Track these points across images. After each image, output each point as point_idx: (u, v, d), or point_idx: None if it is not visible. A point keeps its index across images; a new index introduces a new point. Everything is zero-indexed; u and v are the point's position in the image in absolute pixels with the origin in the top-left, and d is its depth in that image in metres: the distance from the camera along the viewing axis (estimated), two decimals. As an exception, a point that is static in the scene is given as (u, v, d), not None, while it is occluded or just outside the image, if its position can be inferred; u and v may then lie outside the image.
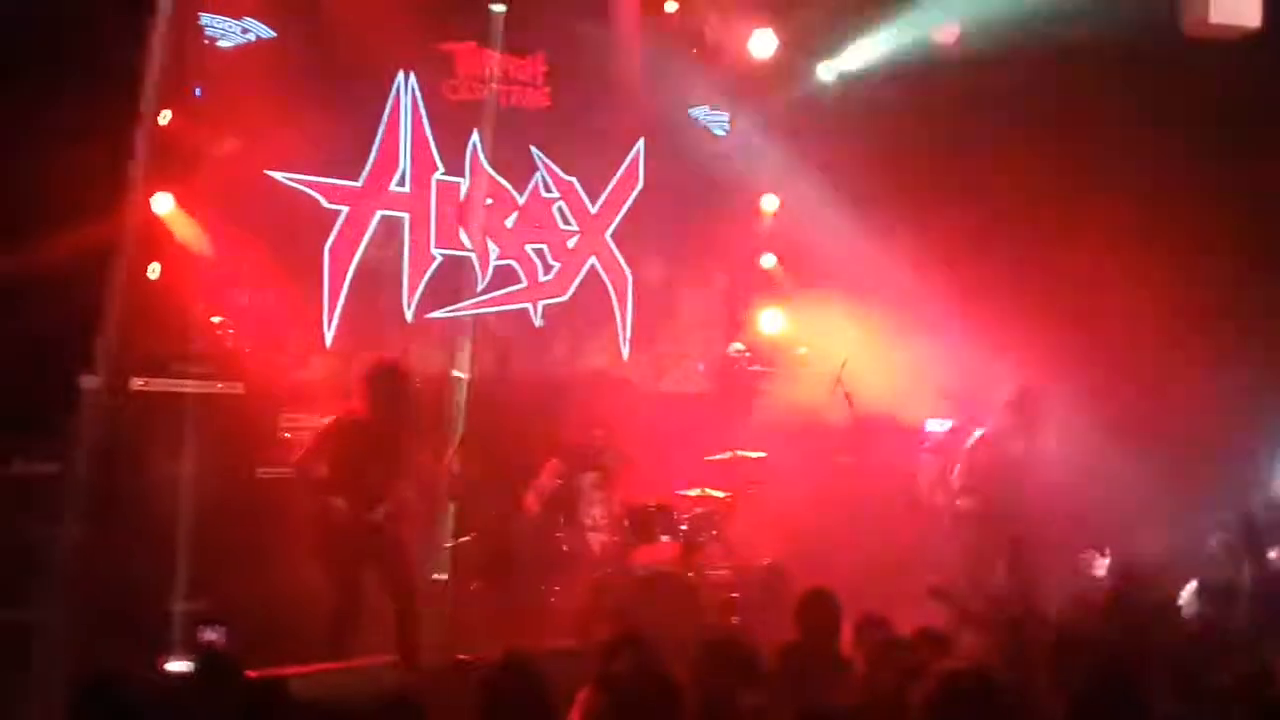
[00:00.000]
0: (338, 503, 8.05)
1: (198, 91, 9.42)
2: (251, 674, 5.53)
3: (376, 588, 8.22)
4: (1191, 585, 6.44)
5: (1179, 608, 6.08)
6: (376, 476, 8.16)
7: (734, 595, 9.18)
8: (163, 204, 9.09)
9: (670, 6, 11.24)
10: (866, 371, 10.23)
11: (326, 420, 8.41)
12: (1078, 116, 10.84)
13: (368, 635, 8.01)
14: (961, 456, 9.70)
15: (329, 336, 10.08)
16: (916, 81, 10.94)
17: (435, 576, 9.12)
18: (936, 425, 10.72)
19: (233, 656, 5.82)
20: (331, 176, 10.10)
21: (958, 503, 9.53)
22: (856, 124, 11.08)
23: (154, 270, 9.08)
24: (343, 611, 8.03)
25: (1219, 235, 10.42)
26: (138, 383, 8.62)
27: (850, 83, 11.44)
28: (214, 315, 9.22)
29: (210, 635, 6.21)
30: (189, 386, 8.75)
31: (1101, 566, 7.55)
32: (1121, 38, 10.22)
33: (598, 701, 4.94)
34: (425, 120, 10.54)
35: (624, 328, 11.46)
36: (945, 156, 11.00)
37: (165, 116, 9.05)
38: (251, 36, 9.61)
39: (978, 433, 9.72)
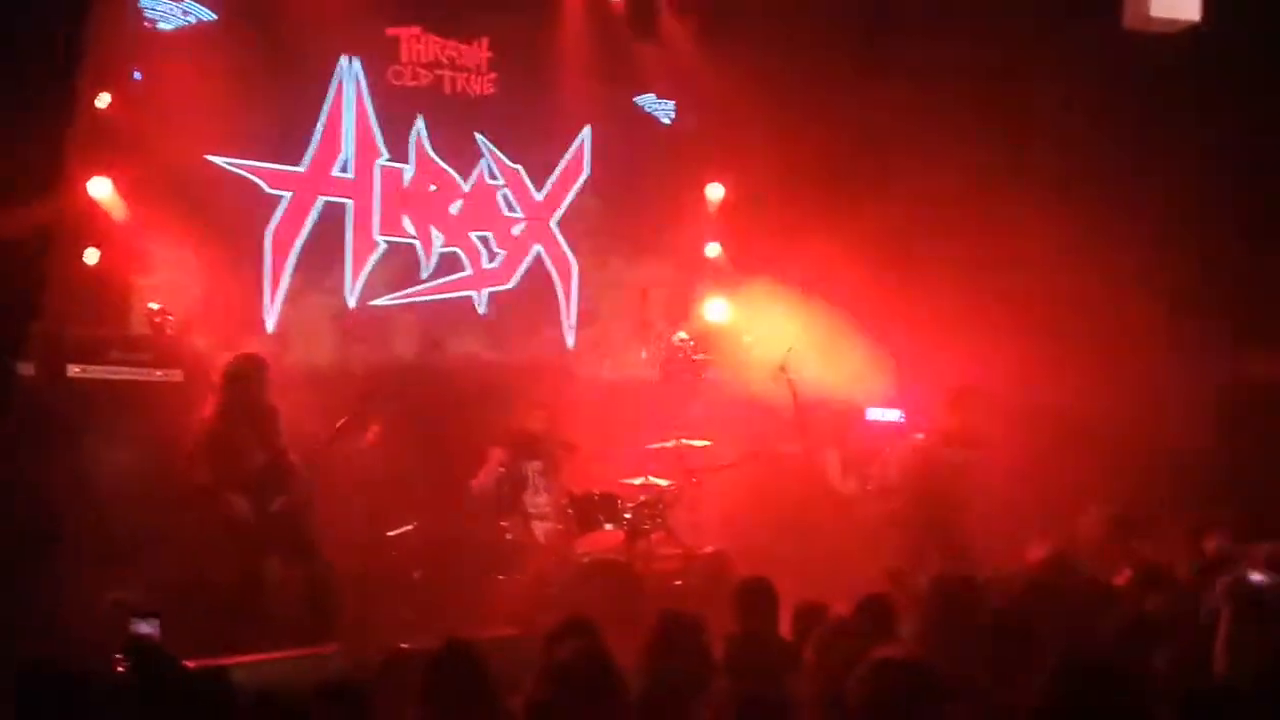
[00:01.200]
0: (237, 500, 8.07)
1: (136, 75, 9.31)
2: (191, 664, 5.48)
3: (281, 575, 8.20)
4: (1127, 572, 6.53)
5: (1119, 594, 6.15)
6: (262, 466, 8.21)
7: (678, 583, 9.20)
8: (100, 188, 8.97)
9: (617, -8, 11.23)
10: (811, 360, 10.27)
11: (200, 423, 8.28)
12: (1019, 109, 10.93)
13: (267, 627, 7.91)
14: (898, 458, 9.82)
15: (270, 322, 10.01)
16: (856, 67, 10.99)
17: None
18: (880, 414, 10.79)
19: (166, 649, 5.74)
20: (273, 161, 10.02)
21: (885, 504, 9.66)
22: (798, 112, 11.08)
23: (91, 256, 8.96)
24: (241, 605, 7.96)
25: (1165, 225, 10.55)
26: (74, 370, 8.50)
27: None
28: (153, 302, 9.10)
29: (143, 628, 6.09)
30: (127, 374, 8.62)
31: (1040, 551, 7.61)
32: (1059, 27, 10.34)
33: (542, 688, 4.93)
34: (369, 105, 10.47)
35: (569, 315, 11.45)
36: (884, 146, 11.06)
37: (103, 100, 8.94)
38: (192, 19, 9.52)
39: (918, 436, 9.86)
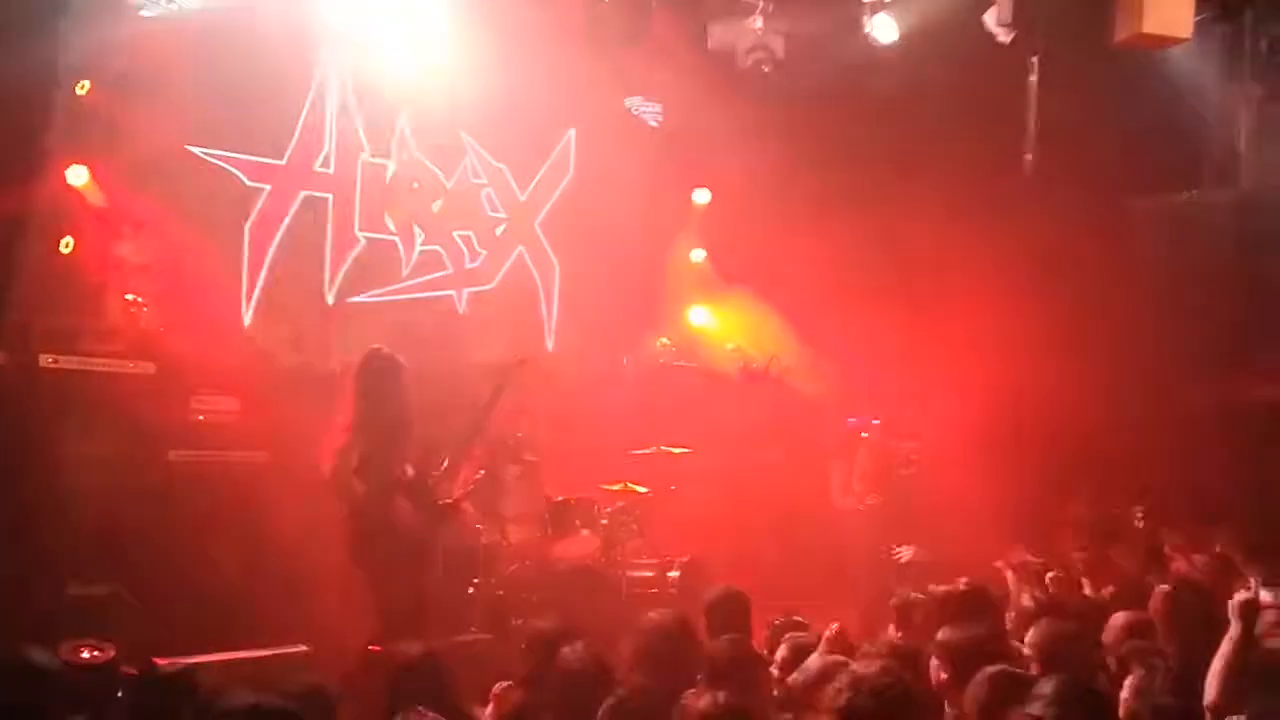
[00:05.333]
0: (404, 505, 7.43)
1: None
2: (160, 661, 5.39)
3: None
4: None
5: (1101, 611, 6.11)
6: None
7: (653, 591, 9.12)
8: (78, 176, 8.84)
9: (606, -6, 11.12)
10: (793, 369, 10.22)
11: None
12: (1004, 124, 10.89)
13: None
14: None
15: (247, 316, 9.89)
16: (847, 79, 10.93)
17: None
18: (859, 421, 10.72)
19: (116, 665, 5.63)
20: (254, 154, 9.90)
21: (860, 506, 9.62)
22: (787, 120, 11.01)
23: (67, 244, 8.83)
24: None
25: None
26: (47, 360, 8.35)
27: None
28: (128, 292, 8.98)
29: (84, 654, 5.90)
30: (100, 365, 8.49)
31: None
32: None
33: (531, 696, 4.88)
34: (352, 100, 10.36)
35: (549, 318, 11.36)
36: (870, 159, 10.99)
37: (83, 86, 8.81)
38: (176, 7, 9.38)
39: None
